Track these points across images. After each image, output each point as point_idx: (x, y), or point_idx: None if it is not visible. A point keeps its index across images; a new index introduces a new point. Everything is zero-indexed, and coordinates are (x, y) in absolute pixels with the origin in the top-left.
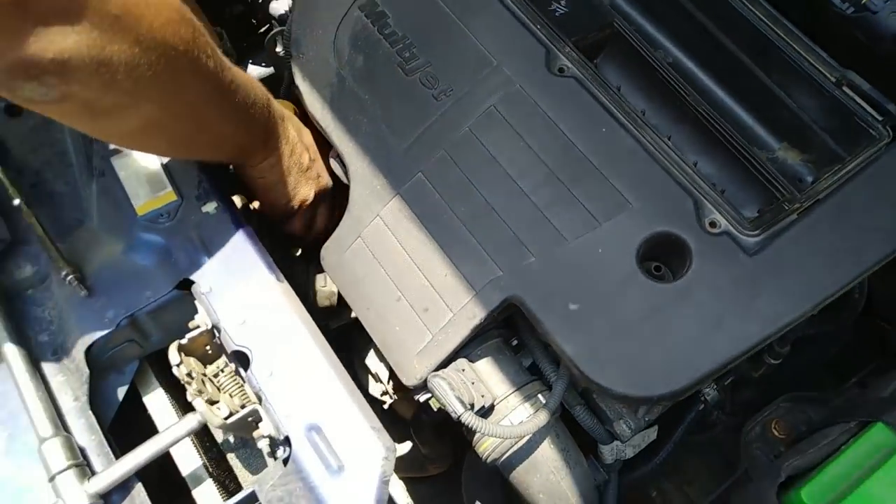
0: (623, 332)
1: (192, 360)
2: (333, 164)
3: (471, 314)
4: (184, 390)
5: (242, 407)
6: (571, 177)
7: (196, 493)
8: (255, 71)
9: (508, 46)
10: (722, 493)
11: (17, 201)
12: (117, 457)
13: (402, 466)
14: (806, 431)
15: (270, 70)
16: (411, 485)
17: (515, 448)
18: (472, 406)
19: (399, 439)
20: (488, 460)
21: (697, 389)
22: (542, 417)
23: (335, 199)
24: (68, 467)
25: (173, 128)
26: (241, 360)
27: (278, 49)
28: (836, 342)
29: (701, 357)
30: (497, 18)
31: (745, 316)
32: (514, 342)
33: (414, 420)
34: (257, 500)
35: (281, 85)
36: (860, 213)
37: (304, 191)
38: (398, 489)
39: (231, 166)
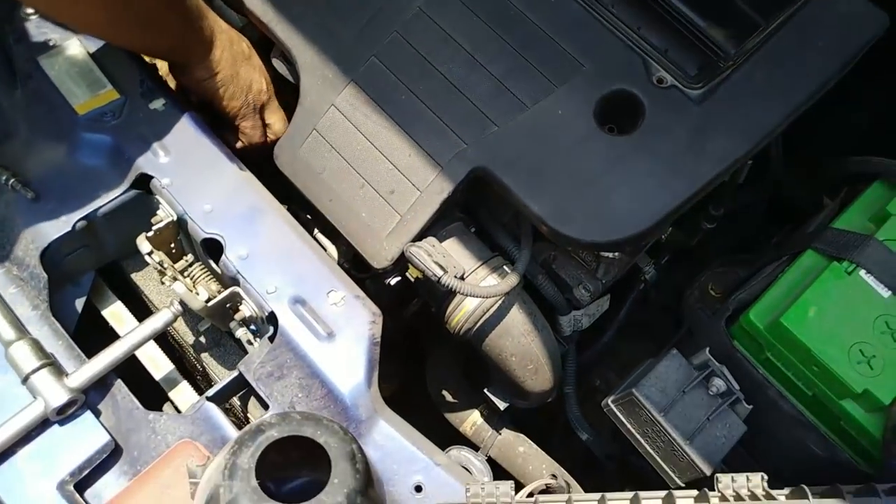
0: (586, 185)
1: (160, 252)
2: (277, 63)
3: (438, 189)
4: (141, 304)
5: (220, 292)
6: (525, 45)
7: (173, 394)
8: None
9: None
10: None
11: None
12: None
13: None
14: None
15: None
16: None
17: (487, 315)
18: (447, 273)
19: None
20: (461, 331)
21: (637, 269)
22: (513, 279)
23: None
24: (41, 366)
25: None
26: (213, 248)
27: None
28: (755, 217)
29: (662, 198)
30: None
31: (697, 158)
32: (473, 230)
33: None
34: (247, 382)
35: None
36: (786, 59)
37: (255, 80)
38: None
39: (176, 81)
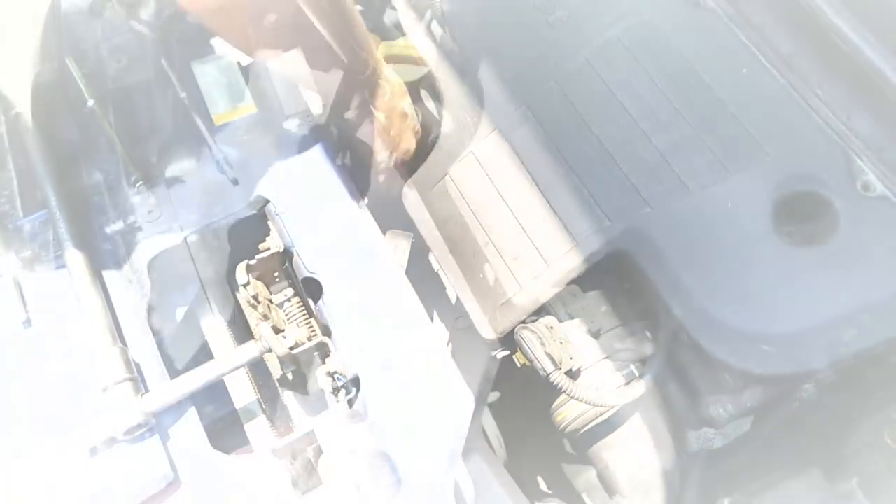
0: (748, 298)
1: (259, 283)
2: (425, 96)
3: (568, 266)
4: (242, 319)
5: (309, 339)
6: (701, 119)
7: (248, 427)
8: (394, 16)
9: None
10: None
11: (90, 102)
12: (170, 376)
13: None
14: None
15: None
16: None
17: (599, 420)
18: (561, 367)
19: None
20: (567, 430)
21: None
22: (637, 389)
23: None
24: (124, 380)
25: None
26: (313, 288)
27: None
28: None
29: (848, 334)
30: None
31: None
32: (604, 309)
33: None
34: (315, 440)
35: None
36: None
37: (406, 138)
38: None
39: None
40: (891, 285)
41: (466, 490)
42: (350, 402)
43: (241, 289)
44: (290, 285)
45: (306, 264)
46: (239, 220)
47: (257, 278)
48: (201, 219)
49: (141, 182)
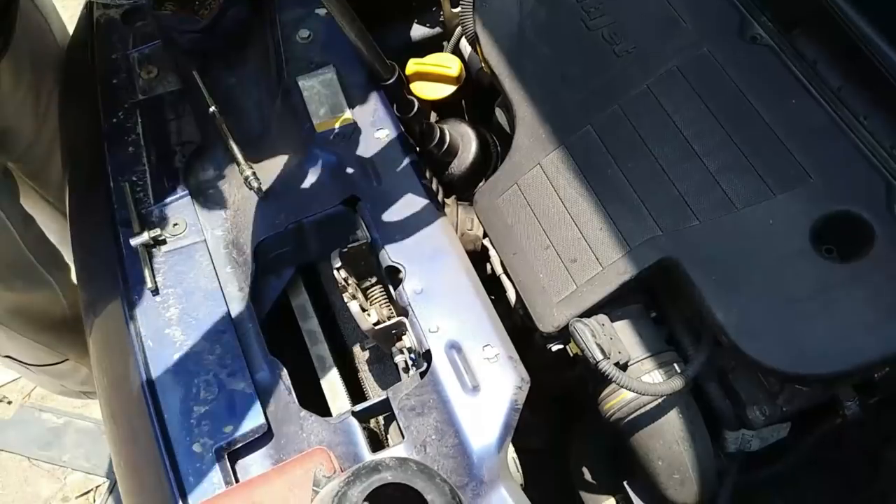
0: (783, 305)
1: (348, 268)
2: (498, 112)
3: (621, 270)
4: (325, 303)
5: (389, 318)
6: (750, 144)
7: (329, 395)
8: (420, 31)
9: (701, 9)
10: None
11: (211, 108)
12: (269, 349)
13: None
14: None
15: (436, 31)
16: None
17: (643, 410)
18: (609, 358)
19: None
20: (612, 419)
21: (837, 400)
22: (678, 382)
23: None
24: None
25: None
26: (394, 276)
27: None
28: None
29: (870, 344)
30: None
31: None
32: (654, 315)
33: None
34: (390, 407)
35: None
36: None
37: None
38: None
39: None
40: None
41: (517, 468)
42: (421, 375)
43: (335, 272)
44: (373, 273)
45: (389, 254)
46: (332, 214)
47: (346, 264)
48: (300, 211)
49: (252, 175)
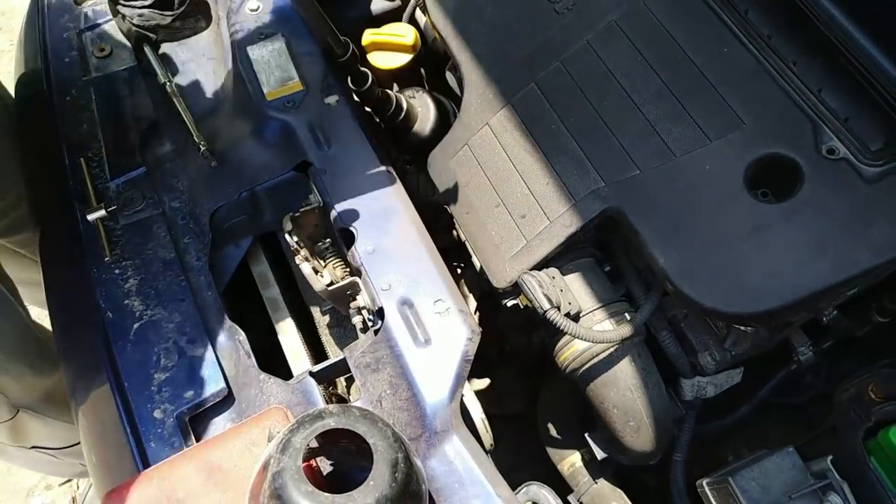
0: (721, 247)
1: (300, 232)
2: (449, 76)
3: (567, 222)
4: (288, 271)
5: (342, 279)
6: (685, 93)
7: (290, 358)
8: (380, 4)
9: None
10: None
11: (165, 83)
12: (231, 317)
13: (482, 402)
14: None
15: (395, 3)
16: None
17: (596, 360)
18: (559, 309)
19: (480, 375)
20: (567, 370)
21: (791, 346)
22: (627, 329)
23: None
24: None
25: None
26: (346, 237)
27: None
28: None
29: (800, 279)
30: None
31: (853, 243)
32: (607, 269)
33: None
34: (348, 366)
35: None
36: None
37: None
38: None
39: None
40: (846, 232)
41: (475, 411)
42: (376, 332)
43: (286, 235)
44: (327, 235)
45: (341, 218)
46: (284, 180)
47: (299, 228)
48: (254, 179)
49: (205, 148)
